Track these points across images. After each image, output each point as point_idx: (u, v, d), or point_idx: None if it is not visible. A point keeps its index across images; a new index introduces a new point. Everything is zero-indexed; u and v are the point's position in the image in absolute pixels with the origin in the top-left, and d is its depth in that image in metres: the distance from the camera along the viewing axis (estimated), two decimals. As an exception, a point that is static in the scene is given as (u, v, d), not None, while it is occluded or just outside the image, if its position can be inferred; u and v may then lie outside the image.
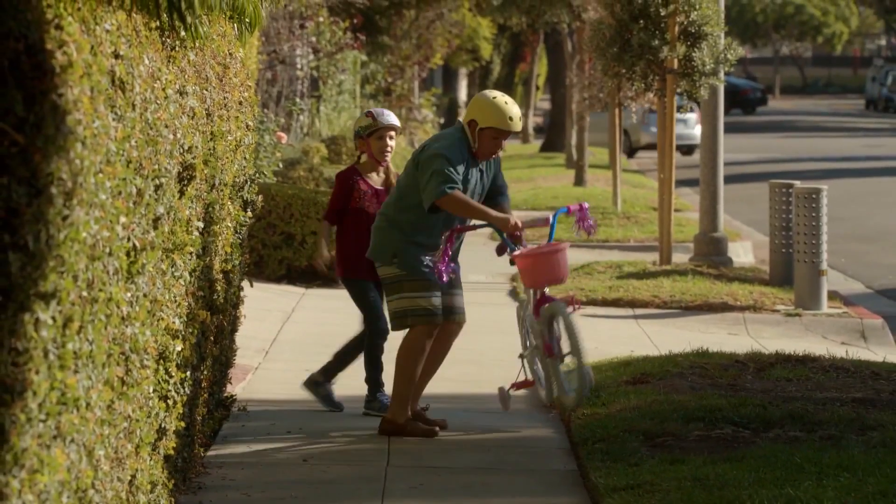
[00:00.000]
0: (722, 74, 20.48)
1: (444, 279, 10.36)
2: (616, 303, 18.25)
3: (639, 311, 17.95)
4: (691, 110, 21.30)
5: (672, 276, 19.60)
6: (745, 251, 23.58)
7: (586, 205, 11.10)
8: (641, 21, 20.14)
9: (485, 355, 14.02)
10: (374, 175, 11.49)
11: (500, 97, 10.55)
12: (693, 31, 20.12)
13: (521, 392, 12.59)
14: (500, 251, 10.72)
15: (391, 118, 11.47)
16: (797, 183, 19.29)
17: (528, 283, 10.67)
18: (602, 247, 24.46)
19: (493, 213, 10.43)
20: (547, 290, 10.63)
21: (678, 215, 23.16)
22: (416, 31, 42.10)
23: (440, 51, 44.65)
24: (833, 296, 18.86)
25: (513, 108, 10.52)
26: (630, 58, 20.17)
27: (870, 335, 17.32)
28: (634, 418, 10.44)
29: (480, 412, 11.59)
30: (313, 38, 29.43)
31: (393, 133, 11.49)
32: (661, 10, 20.05)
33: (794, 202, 18.78)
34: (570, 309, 10.47)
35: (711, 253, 21.21)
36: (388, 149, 11.44)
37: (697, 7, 20.04)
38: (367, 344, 11.50)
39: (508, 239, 10.50)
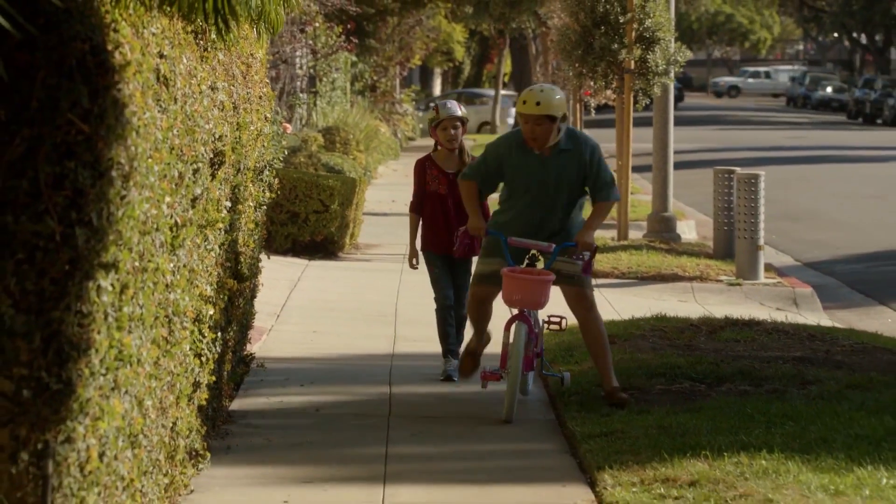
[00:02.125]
0: (672, 74, 20.52)
1: (457, 252, 10.29)
2: (580, 274, 18.22)
3: (601, 281, 17.91)
4: (647, 107, 21.23)
5: (629, 250, 19.62)
6: (690, 229, 23.62)
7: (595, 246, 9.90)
8: (602, 27, 20.16)
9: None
10: (448, 161, 11.11)
11: (531, 87, 9.87)
12: (648, 36, 20.15)
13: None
14: (461, 247, 10.24)
15: (454, 110, 11.03)
16: (738, 169, 19.32)
17: (506, 299, 9.69)
18: (565, 225, 24.53)
19: (472, 215, 9.86)
20: (527, 311, 9.67)
21: (632, 197, 23.17)
22: (398, 36, 42.09)
23: (419, 52, 44.64)
24: (768, 268, 18.89)
25: (533, 93, 9.68)
26: (592, 59, 20.20)
27: (801, 302, 17.36)
28: (604, 374, 10.44)
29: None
30: (311, 41, 29.37)
31: (458, 123, 11.00)
32: (620, 17, 20.10)
33: (736, 186, 18.80)
34: (533, 332, 9.75)
35: (662, 230, 21.24)
36: (453, 137, 10.97)
37: (651, 15, 20.09)
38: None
39: (508, 252, 9.75)
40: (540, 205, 9.74)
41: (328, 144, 26.70)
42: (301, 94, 28.45)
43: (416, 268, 11.08)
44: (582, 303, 9.83)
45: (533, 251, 9.88)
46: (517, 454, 8.83)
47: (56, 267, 5.49)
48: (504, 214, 9.89)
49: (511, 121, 46.80)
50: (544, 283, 9.57)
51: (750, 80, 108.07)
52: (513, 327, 9.65)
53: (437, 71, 62.25)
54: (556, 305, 10.22)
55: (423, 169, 11.12)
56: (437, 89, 62.54)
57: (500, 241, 9.72)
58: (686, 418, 9.10)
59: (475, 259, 10.39)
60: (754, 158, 38.55)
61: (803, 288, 18.02)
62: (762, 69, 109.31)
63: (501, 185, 10.09)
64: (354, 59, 36.12)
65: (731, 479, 7.63)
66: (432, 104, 11.29)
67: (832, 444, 8.38)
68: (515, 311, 9.67)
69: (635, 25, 20.20)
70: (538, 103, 9.58)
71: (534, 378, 10.38)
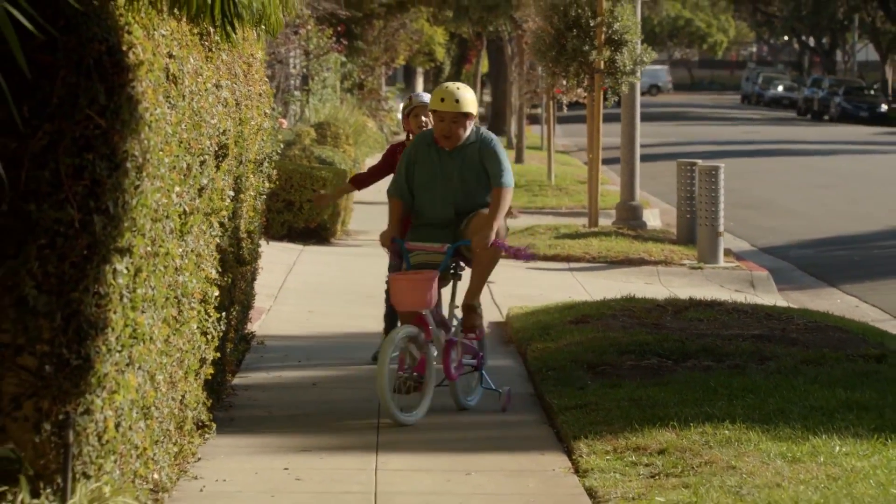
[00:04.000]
0: (639, 73, 20.51)
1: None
2: (555, 258, 18.24)
3: (573, 265, 17.95)
4: (616, 104, 21.22)
5: (599, 236, 19.61)
6: (654, 217, 23.62)
7: (500, 242, 9.03)
8: (574, 30, 20.14)
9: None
10: None
11: (446, 85, 9.10)
12: (616, 38, 20.12)
13: (485, 329, 12.59)
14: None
15: (423, 97, 10.58)
16: (699, 162, 19.33)
17: (394, 301, 8.98)
18: (540, 213, 24.55)
19: (388, 226, 9.15)
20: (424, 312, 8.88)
21: (602, 188, 23.16)
22: (384, 38, 42.00)
23: (403, 53, 44.56)
24: (728, 252, 18.90)
25: (450, 91, 8.96)
26: (565, 60, 20.19)
27: (758, 284, 17.38)
28: (578, 351, 10.43)
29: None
30: (304, 43, 29.29)
31: (429, 111, 10.17)
32: (591, 21, 20.08)
33: (697, 177, 18.80)
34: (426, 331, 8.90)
35: (630, 218, 21.24)
36: (423, 125, 10.42)
37: (619, 19, 20.07)
38: None
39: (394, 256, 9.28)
40: (446, 199, 9.10)
41: (320, 138, 26.65)
42: (295, 92, 28.39)
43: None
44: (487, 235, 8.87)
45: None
46: (499, 425, 8.82)
47: (75, 251, 5.48)
48: (418, 215, 9.23)
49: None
50: (425, 281, 8.77)
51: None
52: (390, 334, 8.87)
53: (420, 70, 62.16)
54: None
55: (394, 154, 10.66)
56: (419, 87, 62.43)
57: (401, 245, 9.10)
58: (655, 392, 9.09)
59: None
60: (713, 151, 38.59)
61: (760, 271, 18.04)
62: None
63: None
64: (344, 59, 36.05)
65: (697, 448, 7.64)
66: (408, 95, 10.95)
67: (789, 415, 8.39)
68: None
69: (605, 29, 20.18)
70: (457, 101, 8.94)
71: (480, 392, 9.40)
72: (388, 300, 10.60)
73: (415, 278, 8.83)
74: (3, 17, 3.90)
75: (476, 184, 9.09)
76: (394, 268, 10.13)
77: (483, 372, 9.41)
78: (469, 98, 9.00)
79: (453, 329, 9.18)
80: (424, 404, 8.79)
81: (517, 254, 9.13)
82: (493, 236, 8.86)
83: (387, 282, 10.43)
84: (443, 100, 8.94)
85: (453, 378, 9.04)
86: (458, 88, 9.03)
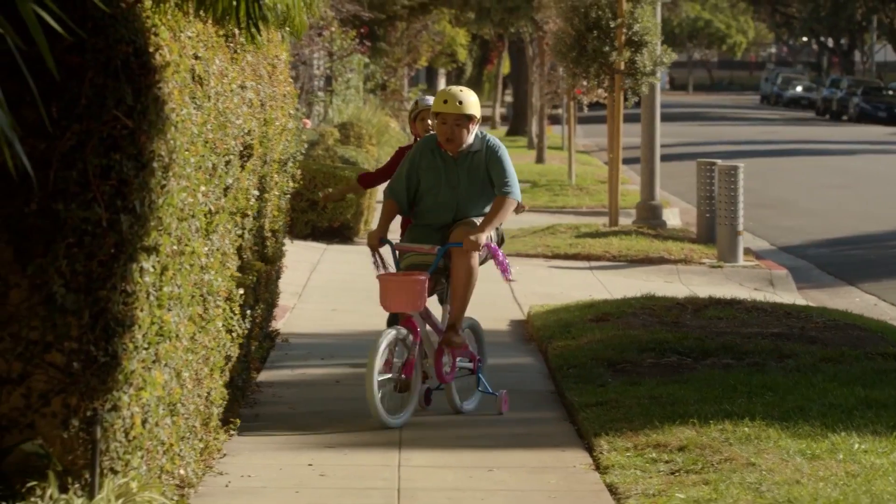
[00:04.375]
0: (659, 74, 20.50)
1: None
2: (575, 256, 18.23)
3: (594, 264, 17.94)
4: (636, 104, 21.21)
5: (619, 235, 19.59)
6: (674, 216, 23.58)
7: (494, 246, 8.81)
8: (595, 31, 20.14)
9: (473, 298, 13.85)
10: None
11: (449, 88, 8.83)
12: (636, 39, 20.11)
13: (507, 327, 12.59)
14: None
15: (429, 101, 10.14)
16: (719, 162, 19.29)
17: (381, 302, 8.65)
18: (560, 212, 24.55)
19: (377, 227, 8.83)
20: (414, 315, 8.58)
21: (622, 187, 23.14)
22: (406, 39, 42.02)
23: (425, 55, 44.57)
24: (747, 251, 18.86)
25: (454, 93, 8.71)
26: (585, 61, 20.19)
27: (777, 283, 17.34)
28: (599, 349, 10.42)
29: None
30: (328, 44, 29.32)
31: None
32: (611, 22, 20.07)
33: (717, 177, 18.77)
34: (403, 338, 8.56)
35: (650, 217, 21.22)
36: (430, 128, 10.00)
37: (640, 20, 20.06)
38: None
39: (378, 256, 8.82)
40: (447, 206, 8.81)
41: (343, 138, 26.68)
42: (319, 93, 28.43)
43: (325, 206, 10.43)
44: (466, 241, 8.59)
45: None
46: (520, 422, 8.81)
47: (103, 250, 5.49)
48: (418, 214, 8.95)
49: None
50: (414, 282, 8.46)
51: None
52: (384, 332, 8.53)
53: (442, 71, 62.13)
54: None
55: (403, 156, 10.14)
56: (441, 88, 62.51)
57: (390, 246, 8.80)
58: (674, 389, 9.07)
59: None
60: (732, 151, 38.50)
61: (779, 270, 18.00)
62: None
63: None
64: (367, 60, 36.07)
65: (717, 445, 7.62)
66: (415, 99, 10.65)
67: (808, 412, 8.36)
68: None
69: (625, 30, 20.17)
70: (461, 102, 8.64)
71: (478, 399, 9.12)
72: None
73: (404, 280, 8.53)
74: (33, 20, 3.91)
75: (480, 193, 8.81)
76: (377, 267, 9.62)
77: (480, 375, 9.11)
78: (472, 101, 8.74)
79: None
80: (409, 407, 8.56)
81: (502, 265, 8.75)
82: (484, 239, 8.57)
83: None
84: (445, 101, 8.67)
85: (445, 381, 8.79)
86: (461, 91, 8.76)
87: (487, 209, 8.80)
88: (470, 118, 8.67)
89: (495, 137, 8.98)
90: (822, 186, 30.52)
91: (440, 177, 8.78)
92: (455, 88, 8.78)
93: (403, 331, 8.57)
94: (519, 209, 8.90)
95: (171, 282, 6.15)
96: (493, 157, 8.76)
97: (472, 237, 8.51)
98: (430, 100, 10.20)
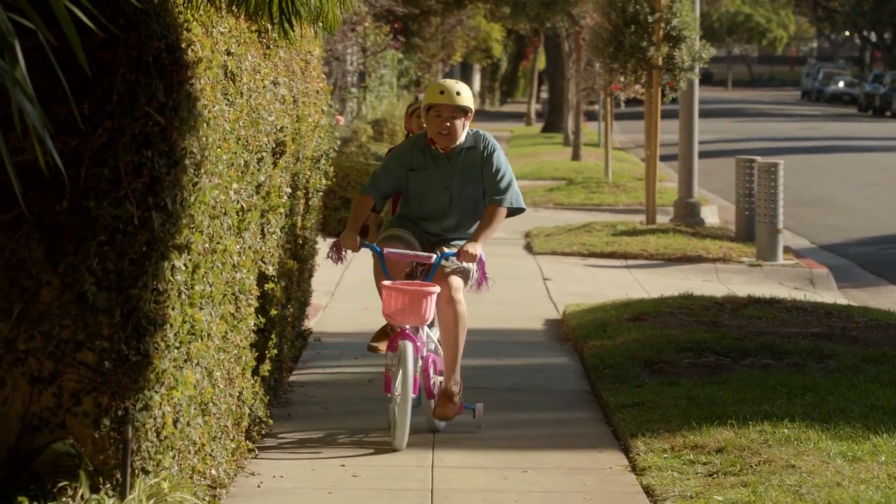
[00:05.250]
0: (697, 70, 20.45)
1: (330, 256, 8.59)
2: (612, 255, 18.20)
3: (630, 262, 17.90)
4: (673, 100, 21.16)
5: (656, 233, 19.54)
6: (713, 214, 23.52)
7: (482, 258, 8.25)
8: (632, 26, 20.09)
9: (509, 297, 13.95)
10: None
11: (443, 80, 8.33)
12: (674, 34, 20.06)
13: (542, 326, 12.59)
14: (334, 254, 8.49)
15: None
16: (758, 159, 19.23)
17: (387, 314, 8.03)
18: (597, 209, 24.52)
19: (348, 228, 8.21)
20: (408, 327, 8.01)
21: (659, 185, 23.08)
22: (441, 34, 42.06)
23: (460, 50, 44.63)
24: (787, 250, 18.79)
25: (449, 84, 8.27)
26: (623, 56, 20.15)
27: (817, 282, 17.27)
28: (635, 349, 10.41)
29: (508, 343, 11.56)
30: (361, 40, 29.36)
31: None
32: (649, 17, 20.03)
33: (756, 174, 18.71)
34: (419, 353, 8.05)
35: (688, 215, 21.17)
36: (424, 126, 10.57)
37: (678, 15, 20.01)
38: None
39: (385, 263, 8.16)
40: (440, 208, 8.32)
41: (377, 135, 26.75)
42: (352, 89, 28.48)
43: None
44: (448, 283, 8.12)
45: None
46: (556, 422, 8.82)
47: (134, 248, 5.52)
48: (406, 209, 8.44)
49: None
50: (425, 296, 7.93)
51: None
52: (400, 345, 7.95)
53: (477, 67, 62.22)
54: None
55: None
56: (476, 84, 62.50)
57: (378, 254, 8.17)
58: (713, 390, 9.06)
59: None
60: (771, 148, 38.33)
61: (819, 268, 17.93)
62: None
63: None
64: (401, 56, 36.12)
65: (756, 447, 7.60)
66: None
67: (849, 413, 8.34)
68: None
69: (663, 24, 20.12)
70: (458, 93, 8.16)
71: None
72: None
73: (414, 292, 7.93)
74: (65, 16, 3.94)
75: (473, 193, 8.28)
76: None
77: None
78: (469, 94, 8.27)
79: (434, 346, 8.36)
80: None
81: (483, 277, 8.24)
82: (479, 250, 8.06)
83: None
84: (442, 92, 8.18)
85: (433, 397, 8.19)
86: (456, 83, 8.30)
87: (474, 217, 8.34)
88: (465, 112, 8.20)
89: (489, 133, 8.46)
90: (864, 184, 30.38)
91: (430, 178, 8.29)
92: (450, 80, 8.34)
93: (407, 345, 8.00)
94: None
95: (202, 280, 6.18)
96: (487, 158, 8.25)
97: (471, 250, 7.99)
98: None
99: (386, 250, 8.11)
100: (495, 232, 8.37)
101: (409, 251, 8.15)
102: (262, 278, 7.98)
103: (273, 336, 8.34)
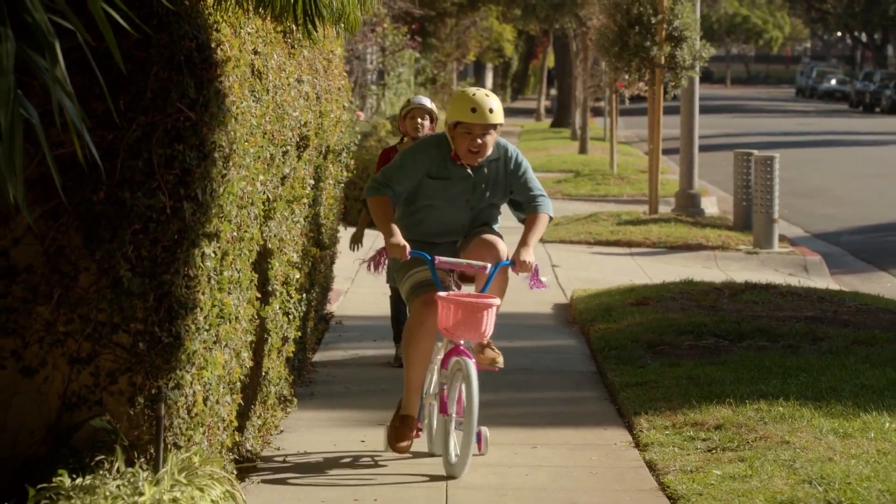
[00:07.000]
0: (698, 68, 20.41)
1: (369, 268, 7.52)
2: (616, 243, 18.20)
3: (634, 250, 17.89)
4: (675, 97, 21.12)
5: (659, 223, 19.53)
6: (712, 204, 23.47)
7: (536, 265, 7.24)
8: (637, 27, 20.07)
9: (519, 282, 13.85)
10: None
11: (474, 93, 7.13)
12: (676, 35, 20.04)
13: (550, 310, 12.57)
14: (373, 265, 7.46)
15: (421, 100, 9.71)
16: (755, 152, 19.19)
17: (443, 328, 6.99)
18: (603, 200, 24.49)
19: (390, 235, 6.98)
20: (462, 342, 7.03)
21: (662, 177, 23.05)
22: (455, 35, 42.02)
23: (473, 50, 44.56)
24: (782, 238, 18.77)
25: (481, 99, 7.09)
26: (627, 56, 20.14)
27: (811, 268, 17.24)
28: (639, 332, 10.41)
29: (519, 326, 11.55)
30: (380, 40, 29.34)
31: (426, 114, 9.64)
32: (652, 18, 20.01)
33: (753, 166, 18.67)
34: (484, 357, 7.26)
35: (688, 205, 21.14)
36: (419, 127, 9.62)
37: (680, 16, 19.99)
38: None
39: (437, 274, 7.11)
40: (459, 224, 7.34)
41: (395, 130, 26.70)
42: (372, 86, 28.45)
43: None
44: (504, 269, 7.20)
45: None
46: (563, 401, 8.82)
47: (167, 236, 5.52)
48: (416, 228, 7.32)
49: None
50: (488, 308, 6.94)
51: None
52: (455, 361, 7.02)
53: (489, 66, 62.12)
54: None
55: (388, 159, 9.67)
56: (489, 82, 62.42)
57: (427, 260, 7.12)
58: (712, 370, 9.05)
59: None
60: (768, 142, 38.25)
61: (813, 256, 17.89)
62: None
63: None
64: (417, 55, 36.07)
65: (752, 424, 7.60)
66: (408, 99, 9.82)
67: (841, 392, 8.33)
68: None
69: (665, 25, 20.09)
70: (491, 111, 7.07)
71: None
72: (393, 305, 9.83)
73: (476, 305, 6.91)
74: (102, 17, 3.94)
75: (489, 203, 7.36)
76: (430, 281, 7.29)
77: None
78: (500, 107, 7.19)
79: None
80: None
81: (539, 283, 7.38)
82: (533, 257, 7.15)
83: (392, 287, 9.28)
84: (474, 110, 7.04)
85: (448, 414, 7.10)
86: (487, 96, 7.14)
87: (492, 213, 7.44)
88: (496, 127, 7.16)
89: (511, 144, 7.44)
90: (856, 176, 30.30)
91: (449, 190, 7.23)
92: (481, 94, 7.13)
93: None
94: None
95: (230, 266, 6.18)
96: (517, 169, 7.27)
97: (528, 260, 7.07)
98: (422, 99, 9.75)
99: (438, 259, 7.06)
100: (540, 237, 7.42)
101: (462, 259, 7.14)
102: (287, 264, 7.98)
103: (297, 319, 8.34)
